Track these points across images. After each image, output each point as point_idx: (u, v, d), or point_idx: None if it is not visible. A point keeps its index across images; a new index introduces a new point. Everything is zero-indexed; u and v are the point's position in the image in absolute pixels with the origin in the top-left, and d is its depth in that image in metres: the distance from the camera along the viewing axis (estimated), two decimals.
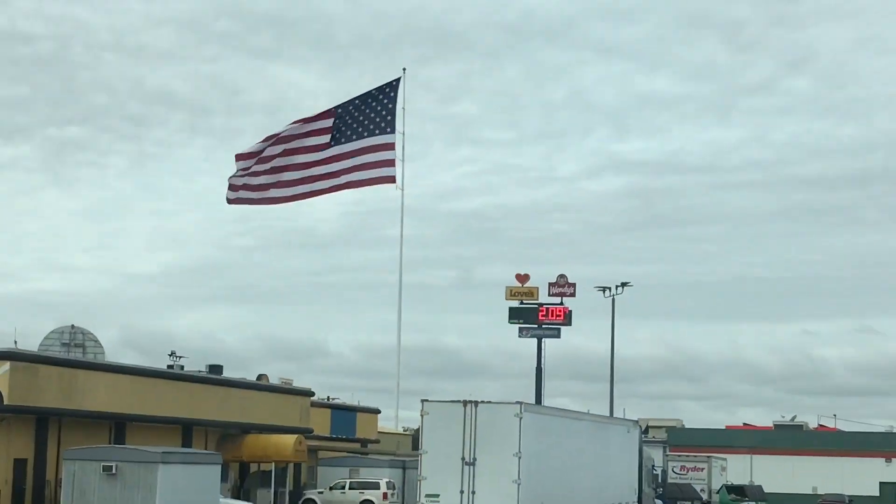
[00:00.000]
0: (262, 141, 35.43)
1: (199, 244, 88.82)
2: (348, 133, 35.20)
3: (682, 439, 54.67)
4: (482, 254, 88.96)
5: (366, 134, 35.27)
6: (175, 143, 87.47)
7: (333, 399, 39.07)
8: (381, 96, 35.64)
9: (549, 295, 43.81)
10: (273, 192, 35.07)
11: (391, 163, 35.17)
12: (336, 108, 35.96)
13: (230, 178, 35.33)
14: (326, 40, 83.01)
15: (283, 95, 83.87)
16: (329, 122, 35.26)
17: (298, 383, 34.76)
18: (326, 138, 34.93)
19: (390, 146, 35.15)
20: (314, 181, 35.32)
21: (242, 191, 35.31)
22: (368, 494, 30.27)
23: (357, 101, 35.92)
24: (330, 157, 35.49)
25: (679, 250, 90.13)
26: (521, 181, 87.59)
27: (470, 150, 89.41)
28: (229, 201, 35.78)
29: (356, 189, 34.76)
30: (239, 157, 35.04)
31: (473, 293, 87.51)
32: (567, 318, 43.49)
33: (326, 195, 36.12)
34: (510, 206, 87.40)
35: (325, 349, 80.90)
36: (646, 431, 48.20)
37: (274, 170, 35.03)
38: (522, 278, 44.30)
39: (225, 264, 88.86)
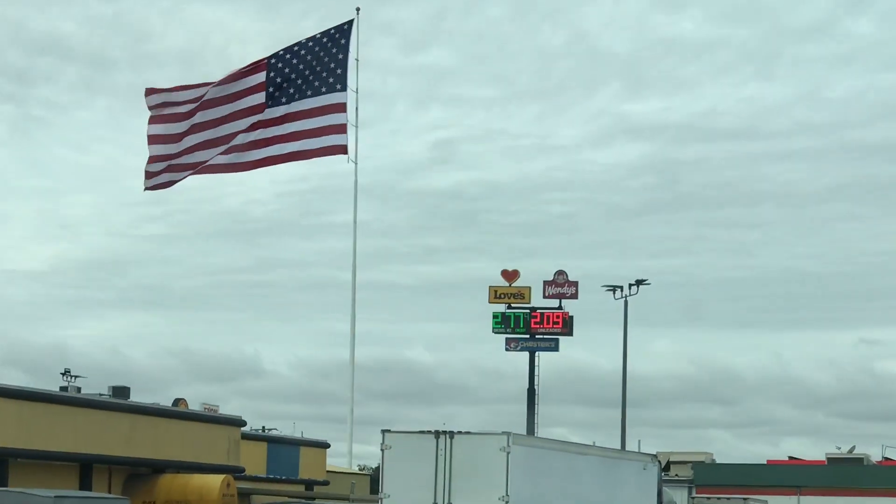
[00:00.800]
0: (179, 88, 35.51)
1: (98, 233, 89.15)
2: (288, 90, 35.17)
3: (712, 477, 55.44)
4: (458, 244, 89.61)
5: (309, 92, 35.25)
6: (67, 105, 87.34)
7: (270, 430, 39.33)
8: (328, 43, 35.59)
9: (545, 297, 43.98)
10: (194, 158, 35.24)
11: (342, 128, 35.22)
12: (271, 58, 35.98)
13: (148, 162, 35.35)
14: None
15: (204, 41, 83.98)
16: (262, 77, 35.26)
17: (225, 410, 34.88)
18: (260, 97, 34.98)
19: (340, 107, 35.16)
20: (245, 149, 35.47)
21: (165, 173, 35.49)
22: None
23: (298, 50, 35.88)
24: (265, 121, 35.53)
25: (709, 239, 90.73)
26: (509, 151, 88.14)
27: (443, 112, 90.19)
28: (148, 188, 35.91)
29: (299, 162, 34.82)
30: (150, 92, 35.01)
31: (447, 295, 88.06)
32: (567, 326, 43.75)
33: (260, 169, 36.15)
34: (494, 183, 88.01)
35: (259, 367, 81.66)
36: (666, 468, 48.83)
37: (195, 136, 35.10)
38: (510, 275, 44.42)
39: (130, 258, 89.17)
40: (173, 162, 34.52)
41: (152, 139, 34.54)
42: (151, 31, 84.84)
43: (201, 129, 33.93)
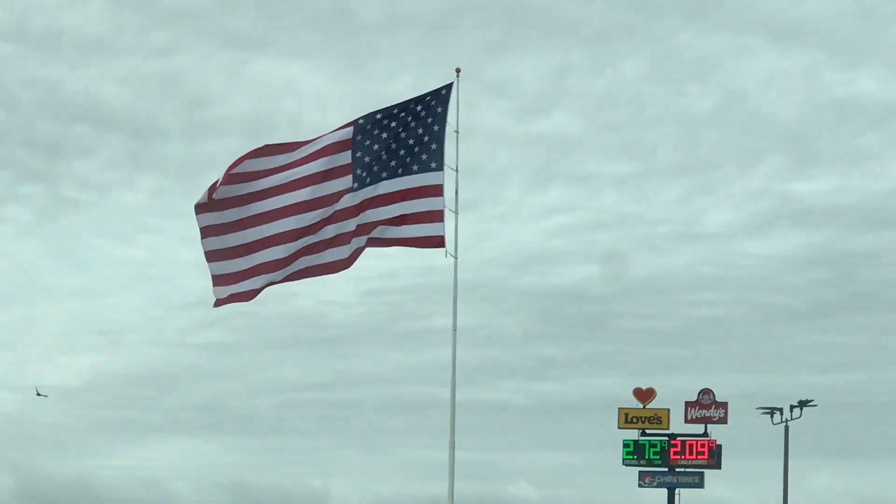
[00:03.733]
0: (234, 179, 30.82)
1: (142, 341, 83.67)
2: (373, 169, 30.68)
3: None
4: (581, 355, 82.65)
5: (400, 171, 30.70)
6: (107, 184, 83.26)
7: None
8: (422, 112, 31.33)
9: (687, 421, 42.36)
10: (271, 256, 30.62)
11: (438, 216, 30.28)
12: (355, 132, 31.43)
13: (214, 284, 30.76)
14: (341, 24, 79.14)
15: (273, 106, 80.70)
16: (348, 156, 30.80)
17: None
18: (346, 180, 30.47)
19: (436, 190, 30.39)
20: (334, 244, 30.78)
21: (237, 281, 30.55)
22: None
23: (383, 119, 31.46)
24: (348, 209, 30.94)
25: (891, 350, 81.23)
26: (645, 240, 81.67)
27: (565, 192, 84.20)
28: (219, 303, 31.00)
29: (388, 257, 29.87)
30: (202, 209, 30.36)
31: (567, 418, 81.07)
32: (714, 457, 41.60)
33: (351, 263, 31.25)
34: (627, 279, 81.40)
35: None
36: None
37: (267, 228, 30.44)
38: (644, 395, 42.34)
39: (181, 372, 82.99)
40: (246, 267, 29.91)
41: (212, 255, 29.91)
42: (208, 94, 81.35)
43: (276, 219, 29.61)
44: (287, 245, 30.51)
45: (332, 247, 30.14)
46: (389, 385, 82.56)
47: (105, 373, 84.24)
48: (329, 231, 30.03)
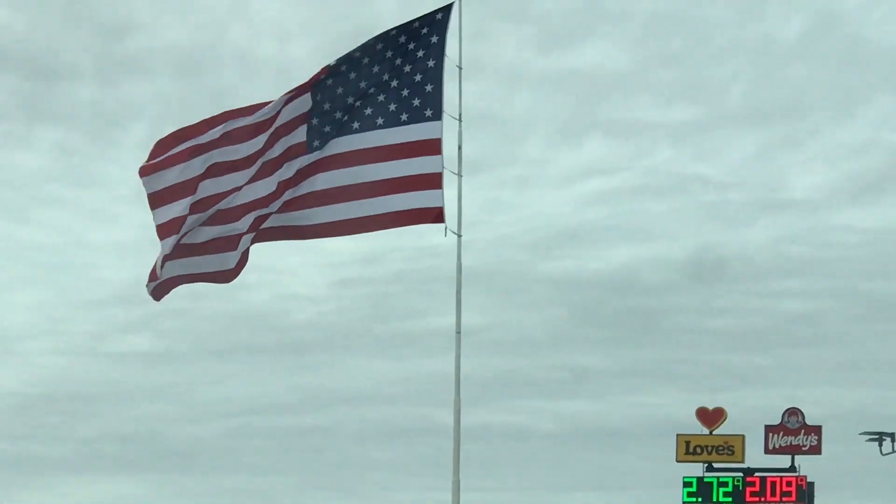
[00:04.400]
0: (193, 135, 31.50)
1: (45, 350, 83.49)
2: (345, 121, 31.30)
3: None
4: (626, 363, 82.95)
5: (380, 121, 31.37)
6: None
7: None
8: (410, 44, 32.08)
9: (768, 451, 42.93)
10: (227, 250, 31.44)
11: (435, 181, 30.87)
12: (320, 74, 32.30)
13: (161, 256, 31.46)
14: None
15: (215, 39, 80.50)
16: (306, 103, 31.57)
17: None
18: (301, 133, 31.23)
19: (432, 147, 31.04)
20: (290, 208, 31.68)
21: (172, 261, 31.22)
22: None
23: (361, 57, 32.33)
24: (310, 167, 31.86)
25: None
26: (711, 209, 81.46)
27: (605, 146, 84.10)
28: (156, 294, 31.73)
29: (368, 234, 30.71)
30: (147, 171, 31.17)
31: (607, 446, 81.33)
32: (805, 498, 41.93)
33: (312, 240, 31.84)
34: (686, 261, 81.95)
35: None
36: None
37: (211, 184, 31.23)
38: (711, 416, 43.09)
39: (99, 391, 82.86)
40: (186, 240, 30.43)
41: (163, 228, 30.53)
42: (130, 20, 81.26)
43: (219, 175, 30.05)
44: (189, 220, 31.15)
45: (283, 211, 30.52)
46: (373, 405, 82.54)
47: None
48: (285, 194, 30.55)
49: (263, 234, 32.10)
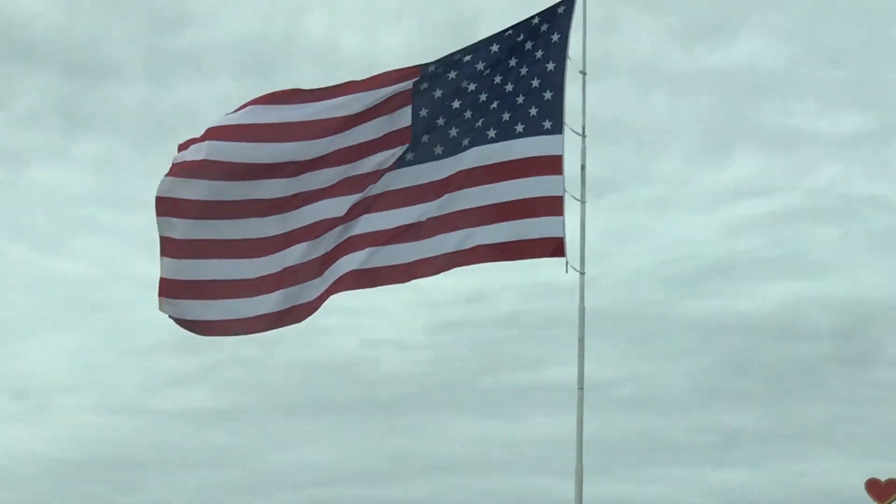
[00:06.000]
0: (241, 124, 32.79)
1: (78, 406, 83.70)
2: (449, 133, 31.97)
3: None
4: (785, 424, 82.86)
5: (492, 134, 32.13)
6: (23, 149, 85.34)
7: None
8: (526, 43, 32.68)
9: None
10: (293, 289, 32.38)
11: (556, 206, 31.30)
12: (420, 79, 33.27)
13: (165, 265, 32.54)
14: None
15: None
16: (407, 115, 32.47)
17: None
18: (396, 149, 31.93)
19: (552, 165, 31.52)
20: (378, 241, 32.65)
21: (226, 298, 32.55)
22: None
23: (470, 60, 33.05)
24: (411, 190, 32.74)
25: None
26: (888, 238, 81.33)
27: (755, 160, 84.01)
28: (177, 320, 32.88)
29: (467, 269, 31.28)
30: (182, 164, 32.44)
31: None
32: None
33: (403, 283, 32.40)
34: (851, 299, 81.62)
35: None
36: None
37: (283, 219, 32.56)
38: (884, 489, 42.79)
39: (145, 456, 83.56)
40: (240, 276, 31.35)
41: (173, 245, 31.29)
42: (185, 9, 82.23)
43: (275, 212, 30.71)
44: (280, 254, 32.09)
45: (355, 250, 31.21)
46: (478, 474, 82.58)
47: (21, 457, 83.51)
48: (357, 226, 31.23)
49: (346, 279, 32.55)
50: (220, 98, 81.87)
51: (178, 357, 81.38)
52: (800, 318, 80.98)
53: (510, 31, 31.97)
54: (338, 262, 31.38)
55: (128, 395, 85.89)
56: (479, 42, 32.14)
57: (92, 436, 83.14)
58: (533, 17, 31.76)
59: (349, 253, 31.43)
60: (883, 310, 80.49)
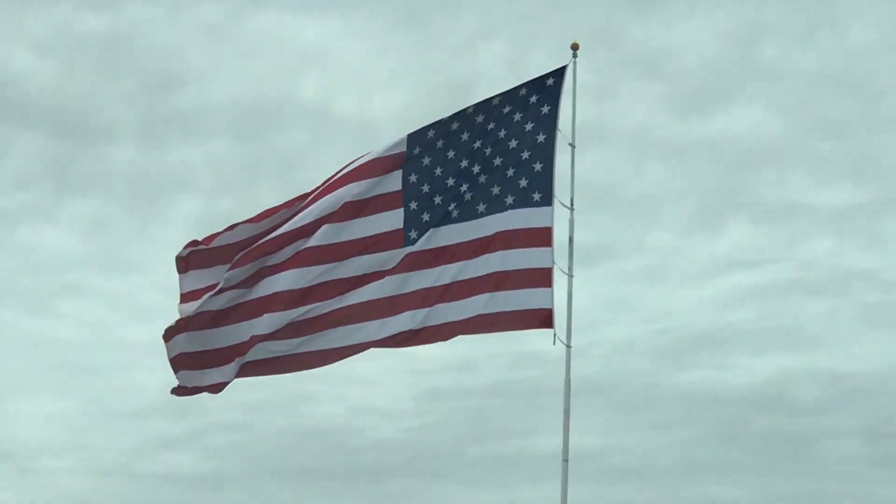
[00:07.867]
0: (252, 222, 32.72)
1: (65, 470, 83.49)
2: (440, 205, 32.12)
3: None
4: (774, 496, 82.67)
5: (481, 208, 32.20)
6: (11, 210, 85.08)
7: None
8: (516, 115, 32.66)
9: None
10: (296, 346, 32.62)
11: (544, 278, 31.56)
12: (411, 146, 33.41)
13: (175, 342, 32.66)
14: None
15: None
16: (397, 181, 32.59)
17: None
18: (396, 219, 32.04)
19: (541, 237, 31.75)
20: (380, 314, 32.76)
21: (210, 364, 32.56)
22: None
23: (458, 129, 33.07)
24: (404, 263, 32.87)
25: None
26: (879, 311, 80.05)
27: (749, 231, 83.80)
28: (180, 391, 32.99)
29: (452, 343, 31.52)
30: (192, 262, 32.46)
31: None
32: None
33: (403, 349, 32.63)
34: (842, 373, 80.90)
35: None
36: None
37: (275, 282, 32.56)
38: None
39: None
40: (222, 345, 31.30)
41: (188, 296, 31.31)
42: (180, 68, 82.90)
43: (274, 273, 30.83)
44: (280, 313, 32.05)
45: (355, 321, 31.18)
46: None
47: None
48: (371, 290, 31.26)
49: (337, 351, 32.62)
50: (213, 160, 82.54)
51: (164, 421, 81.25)
52: (789, 391, 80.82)
53: (496, 101, 32.03)
54: (333, 330, 31.56)
55: (113, 459, 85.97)
56: (465, 109, 32.04)
57: (77, 499, 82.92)
58: (520, 88, 31.75)
59: (346, 325, 31.58)
60: (881, 389, 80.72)
